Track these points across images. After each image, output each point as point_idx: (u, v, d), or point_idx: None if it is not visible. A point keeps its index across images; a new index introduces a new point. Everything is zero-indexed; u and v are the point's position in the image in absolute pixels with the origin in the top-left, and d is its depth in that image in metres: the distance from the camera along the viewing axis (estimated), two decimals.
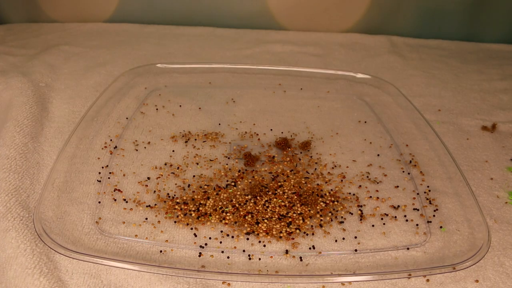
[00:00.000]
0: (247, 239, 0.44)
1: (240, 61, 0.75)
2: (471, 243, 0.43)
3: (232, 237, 0.44)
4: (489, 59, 0.82)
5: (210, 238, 0.44)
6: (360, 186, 0.51)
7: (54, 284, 0.38)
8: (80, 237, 0.43)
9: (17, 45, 0.79)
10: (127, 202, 0.48)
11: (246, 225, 0.45)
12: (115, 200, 0.48)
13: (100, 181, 0.50)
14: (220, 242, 0.44)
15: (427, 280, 0.41)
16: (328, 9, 0.85)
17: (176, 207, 0.47)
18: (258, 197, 0.48)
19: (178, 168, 0.53)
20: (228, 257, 0.42)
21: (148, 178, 0.51)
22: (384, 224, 0.46)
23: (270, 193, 0.49)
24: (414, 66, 0.78)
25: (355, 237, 0.45)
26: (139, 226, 0.45)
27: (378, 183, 0.52)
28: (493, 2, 0.83)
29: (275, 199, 0.48)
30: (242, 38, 0.85)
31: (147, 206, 0.47)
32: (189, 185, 0.50)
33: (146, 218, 0.46)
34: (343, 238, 0.45)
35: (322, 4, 0.85)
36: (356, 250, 0.43)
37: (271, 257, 0.43)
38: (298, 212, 0.47)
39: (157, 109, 0.64)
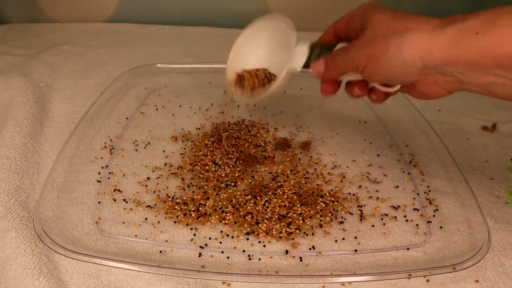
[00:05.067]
0: (247, 239, 0.44)
1: None
2: (471, 243, 0.43)
3: (232, 237, 0.44)
4: None
5: (210, 238, 0.44)
6: (360, 186, 0.51)
7: (54, 285, 0.38)
8: (80, 237, 0.43)
9: (17, 45, 0.79)
10: (127, 202, 0.48)
11: (246, 225, 0.45)
12: (115, 200, 0.48)
13: (100, 181, 0.50)
14: (220, 242, 0.44)
15: (427, 281, 0.41)
16: (328, 9, 0.85)
17: (176, 207, 0.47)
18: (258, 197, 0.48)
19: (178, 168, 0.53)
20: (228, 257, 0.42)
21: (148, 178, 0.51)
22: (384, 224, 0.46)
23: (270, 193, 0.49)
24: None
25: (355, 237, 0.45)
26: (139, 226, 0.45)
27: (378, 183, 0.52)
28: (493, 2, 0.83)
29: (275, 199, 0.48)
30: None
31: (147, 206, 0.47)
32: (189, 185, 0.50)
33: (146, 218, 0.46)
34: (343, 238, 0.45)
35: (322, 4, 0.85)
36: (356, 250, 0.43)
37: (271, 257, 0.43)
38: (298, 212, 0.47)
39: (157, 109, 0.64)
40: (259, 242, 0.44)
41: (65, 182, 0.48)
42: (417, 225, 0.46)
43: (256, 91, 0.49)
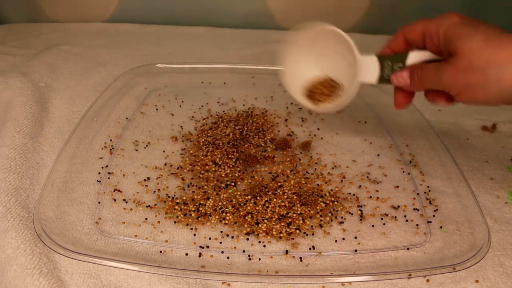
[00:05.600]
0: (247, 239, 0.44)
1: (240, 61, 0.75)
2: (471, 243, 0.43)
3: (232, 237, 0.44)
4: None
5: (210, 238, 0.44)
6: (360, 186, 0.51)
7: (54, 285, 0.38)
8: (80, 237, 0.43)
9: (17, 45, 0.79)
10: (127, 202, 0.48)
11: (246, 226, 0.45)
12: (115, 200, 0.48)
13: (100, 181, 0.50)
14: (220, 243, 0.44)
15: (427, 281, 0.41)
16: (328, 9, 0.85)
17: (176, 207, 0.47)
18: (258, 197, 0.48)
19: (178, 168, 0.53)
20: (228, 257, 0.42)
21: (148, 178, 0.51)
22: (384, 224, 0.46)
23: (270, 193, 0.49)
24: None
25: (355, 237, 0.45)
26: (139, 226, 0.45)
27: (378, 183, 0.52)
28: (493, 2, 0.83)
29: (275, 199, 0.48)
30: (242, 38, 0.85)
31: (147, 206, 0.47)
32: (189, 185, 0.50)
33: (146, 218, 0.46)
34: (343, 238, 0.45)
35: (322, 4, 0.85)
36: (356, 251, 0.43)
37: (271, 257, 0.43)
38: (298, 212, 0.47)
39: (157, 109, 0.64)
40: (259, 242, 0.44)
41: (65, 182, 0.48)
42: (417, 225, 0.46)
43: (324, 103, 0.51)
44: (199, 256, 0.42)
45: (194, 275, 0.39)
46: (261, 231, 0.45)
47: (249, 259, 0.42)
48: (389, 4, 0.84)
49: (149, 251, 0.43)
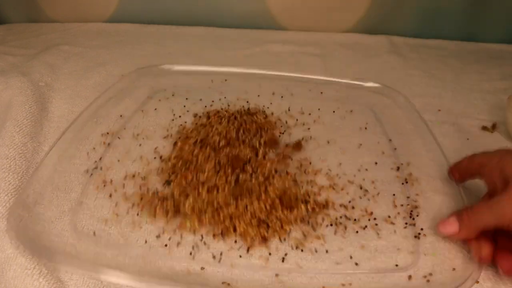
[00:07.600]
0: (235, 241, 0.44)
1: (240, 61, 0.75)
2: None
3: (217, 239, 0.44)
4: (489, 59, 0.82)
5: (201, 239, 0.44)
6: (353, 191, 0.50)
7: (54, 285, 0.38)
8: (79, 237, 0.43)
9: (17, 45, 0.79)
10: (124, 202, 0.48)
11: (225, 227, 0.44)
12: (115, 200, 0.48)
13: (98, 181, 0.50)
14: (207, 244, 0.43)
15: (427, 281, 0.40)
16: (328, 9, 0.85)
17: (163, 204, 0.46)
18: (241, 199, 0.46)
19: (171, 167, 0.52)
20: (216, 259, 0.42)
21: (144, 178, 0.51)
22: (378, 230, 0.45)
23: (254, 196, 0.47)
24: (414, 66, 0.78)
25: (349, 244, 0.44)
26: (136, 227, 0.45)
27: (374, 188, 0.51)
28: (493, 2, 0.82)
29: (258, 202, 0.46)
30: (242, 38, 0.85)
31: (142, 206, 0.47)
32: (170, 184, 0.50)
33: (142, 219, 0.46)
34: (342, 240, 0.45)
35: (322, 4, 0.85)
36: (351, 257, 0.43)
37: (268, 259, 0.42)
38: (284, 216, 0.45)
39: (155, 109, 0.64)
40: (247, 246, 0.43)
41: (65, 182, 0.49)
42: (415, 225, 0.46)
43: None
44: (192, 258, 0.42)
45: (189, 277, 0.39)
46: (246, 234, 0.43)
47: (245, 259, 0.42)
48: (389, 4, 0.84)
49: (147, 253, 0.43)
